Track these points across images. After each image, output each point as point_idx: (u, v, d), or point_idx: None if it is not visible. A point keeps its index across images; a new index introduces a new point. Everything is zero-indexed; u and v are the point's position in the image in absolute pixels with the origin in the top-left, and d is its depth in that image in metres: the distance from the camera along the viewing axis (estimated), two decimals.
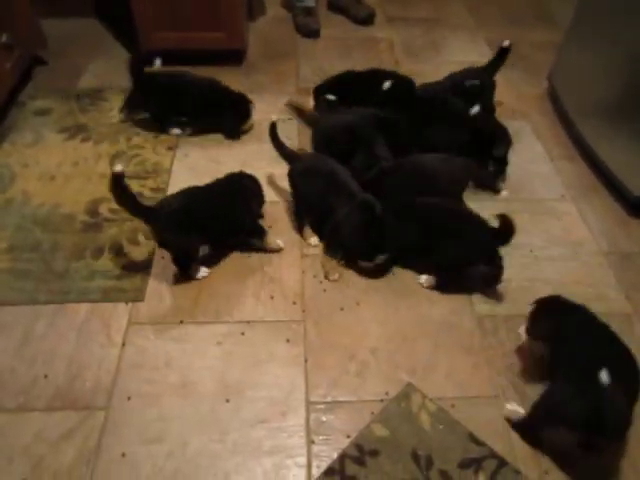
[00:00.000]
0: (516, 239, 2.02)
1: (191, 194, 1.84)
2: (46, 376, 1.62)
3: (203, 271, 1.88)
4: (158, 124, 2.43)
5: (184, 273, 1.86)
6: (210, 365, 1.65)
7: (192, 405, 1.56)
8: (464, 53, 2.83)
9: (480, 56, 2.93)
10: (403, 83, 2.35)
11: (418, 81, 2.45)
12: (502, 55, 2.40)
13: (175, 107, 2.39)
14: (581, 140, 2.40)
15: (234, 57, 2.80)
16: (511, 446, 1.50)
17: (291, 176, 2.01)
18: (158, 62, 2.40)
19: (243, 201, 1.90)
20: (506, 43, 2.37)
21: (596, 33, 2.33)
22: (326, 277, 1.89)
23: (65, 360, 1.66)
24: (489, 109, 2.42)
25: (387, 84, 2.30)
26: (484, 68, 2.44)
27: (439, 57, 2.89)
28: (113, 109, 2.53)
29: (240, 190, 1.92)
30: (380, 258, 1.86)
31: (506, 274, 1.90)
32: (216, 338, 1.72)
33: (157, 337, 1.72)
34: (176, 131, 2.42)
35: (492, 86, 2.45)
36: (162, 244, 1.84)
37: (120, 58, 2.84)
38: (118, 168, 1.66)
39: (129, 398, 1.57)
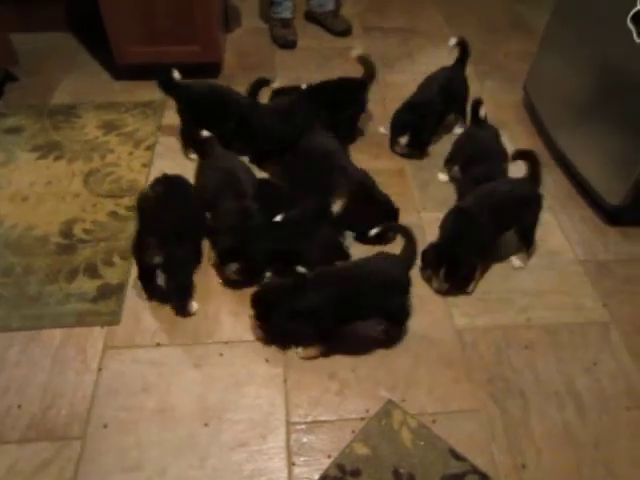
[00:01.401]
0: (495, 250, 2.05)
1: None
2: (20, 406, 1.60)
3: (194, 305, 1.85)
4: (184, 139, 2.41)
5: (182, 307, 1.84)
6: (188, 388, 1.64)
7: (170, 430, 1.55)
8: (440, 63, 2.83)
9: None
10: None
11: (394, 92, 2.48)
12: (463, 51, 2.50)
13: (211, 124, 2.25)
14: (556, 149, 2.43)
15: (210, 69, 2.79)
16: (492, 461, 1.51)
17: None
18: (176, 73, 2.34)
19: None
20: (452, 41, 2.46)
21: (568, 42, 2.37)
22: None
23: (39, 388, 1.64)
24: (463, 105, 2.53)
25: None
26: (454, 66, 2.52)
27: (415, 67, 2.91)
28: (86, 126, 2.51)
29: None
30: (230, 266, 1.85)
31: (485, 286, 1.93)
32: (194, 360, 1.71)
33: (134, 361, 1.70)
34: (193, 157, 2.37)
35: (465, 80, 2.54)
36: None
37: (94, 73, 2.83)
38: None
39: (105, 426, 1.56)
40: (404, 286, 1.73)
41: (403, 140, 2.37)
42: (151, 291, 1.84)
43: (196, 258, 1.96)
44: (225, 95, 2.34)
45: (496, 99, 2.79)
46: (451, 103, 2.48)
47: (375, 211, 2.02)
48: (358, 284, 1.66)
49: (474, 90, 2.82)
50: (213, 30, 2.63)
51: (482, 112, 2.25)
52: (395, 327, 1.78)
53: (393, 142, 2.45)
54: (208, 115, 2.28)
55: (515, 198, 1.92)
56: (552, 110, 2.51)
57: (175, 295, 1.82)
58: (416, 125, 2.34)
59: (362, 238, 2.02)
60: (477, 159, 2.15)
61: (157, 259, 1.71)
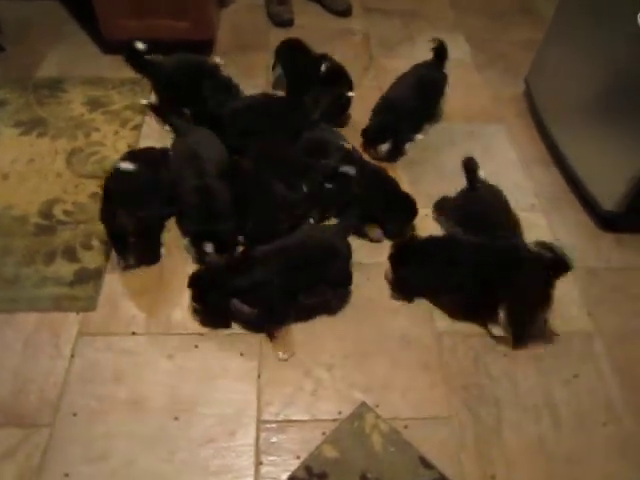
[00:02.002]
0: None
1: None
2: None
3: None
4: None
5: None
6: (161, 380, 1.65)
7: (140, 422, 1.57)
8: None
9: (457, 53, 2.92)
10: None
11: (391, 78, 2.44)
12: (440, 52, 2.46)
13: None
14: (555, 146, 2.41)
15: (203, 47, 2.75)
16: (462, 470, 1.53)
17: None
18: (139, 44, 2.35)
19: None
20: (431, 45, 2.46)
21: (576, 34, 2.32)
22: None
23: (10, 373, 1.65)
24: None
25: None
26: (433, 62, 2.49)
27: (415, 52, 2.84)
28: (72, 101, 2.49)
29: None
30: (206, 246, 1.87)
31: None
32: (168, 351, 1.72)
33: (107, 349, 1.71)
34: (167, 129, 2.35)
35: (444, 79, 2.49)
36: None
37: (82, 45, 2.80)
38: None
39: (75, 414, 1.57)
40: (344, 252, 1.81)
41: (384, 147, 2.30)
42: (121, 252, 1.89)
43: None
44: (199, 73, 2.35)
45: (495, 90, 2.76)
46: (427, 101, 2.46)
47: (393, 203, 2.03)
48: (302, 254, 1.76)
49: (473, 81, 2.80)
50: (206, 5, 2.58)
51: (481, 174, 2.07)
52: (340, 292, 1.86)
53: (369, 148, 2.36)
54: (183, 93, 2.31)
55: None
56: (553, 106, 2.48)
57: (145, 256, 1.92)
58: (397, 130, 2.29)
59: (391, 234, 2.04)
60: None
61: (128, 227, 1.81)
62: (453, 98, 2.65)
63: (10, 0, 2.90)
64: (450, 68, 2.82)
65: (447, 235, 2.00)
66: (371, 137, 2.31)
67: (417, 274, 1.84)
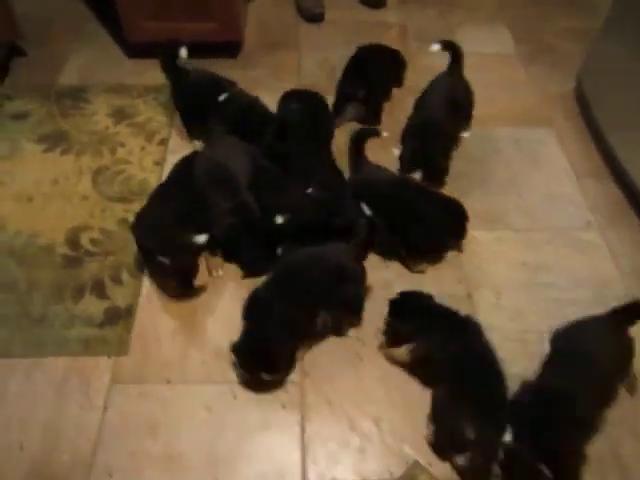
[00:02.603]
0: (538, 278, 1.84)
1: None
2: (21, 447, 1.47)
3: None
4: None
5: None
6: (198, 434, 1.50)
7: None
8: (483, 43, 2.53)
9: (501, 47, 2.64)
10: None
11: (428, 78, 2.17)
12: (455, 56, 2.16)
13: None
14: (611, 155, 2.14)
15: (230, 48, 2.51)
16: None
17: None
18: (184, 51, 2.14)
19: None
20: (434, 47, 2.15)
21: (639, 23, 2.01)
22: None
23: (41, 426, 1.51)
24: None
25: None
26: (449, 73, 2.17)
27: None
28: (96, 113, 2.29)
29: None
30: None
31: (525, 323, 1.73)
32: (205, 402, 1.56)
33: (142, 399, 1.56)
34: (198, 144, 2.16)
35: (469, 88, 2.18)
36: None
37: (105, 48, 2.58)
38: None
39: (110, 475, 1.43)
40: (357, 274, 1.67)
41: (416, 176, 1.97)
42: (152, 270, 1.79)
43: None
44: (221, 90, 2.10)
45: (542, 89, 2.49)
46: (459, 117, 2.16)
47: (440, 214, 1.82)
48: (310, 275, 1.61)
49: (517, 78, 2.52)
50: (233, 6, 2.34)
51: None
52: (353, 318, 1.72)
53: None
54: (200, 109, 2.08)
55: None
56: (610, 107, 2.19)
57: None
58: (428, 156, 1.99)
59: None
60: None
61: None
62: (496, 99, 2.40)
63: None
64: (492, 63, 2.57)
65: None
66: (404, 167, 2.02)
67: None
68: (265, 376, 1.54)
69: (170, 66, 2.14)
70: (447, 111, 2.04)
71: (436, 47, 2.13)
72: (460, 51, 2.14)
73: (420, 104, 2.14)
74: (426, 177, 1.95)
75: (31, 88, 2.38)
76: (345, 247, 1.69)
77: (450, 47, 2.14)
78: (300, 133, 1.98)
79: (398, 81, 2.37)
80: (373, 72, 2.27)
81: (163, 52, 2.15)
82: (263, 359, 1.53)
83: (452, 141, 2.10)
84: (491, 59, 2.53)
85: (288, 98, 2.13)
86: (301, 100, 2.11)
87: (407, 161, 1.99)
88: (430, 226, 1.79)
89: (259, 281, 1.69)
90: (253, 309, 1.59)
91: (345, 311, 1.71)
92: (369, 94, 2.26)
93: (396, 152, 2.07)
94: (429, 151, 1.97)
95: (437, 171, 2.00)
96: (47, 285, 1.77)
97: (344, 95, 2.26)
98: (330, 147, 2.08)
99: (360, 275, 1.68)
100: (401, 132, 2.10)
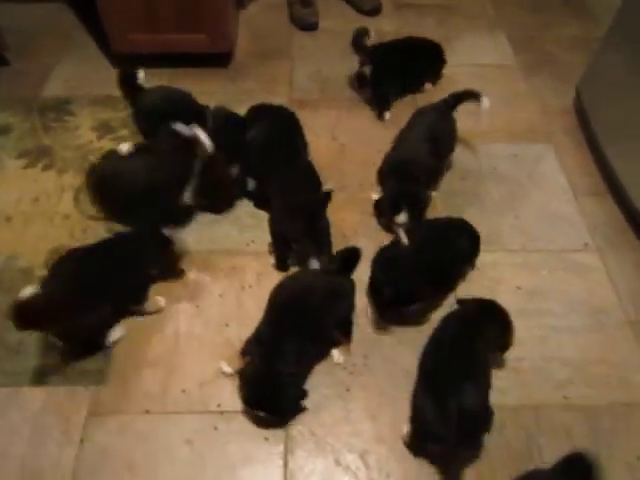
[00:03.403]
0: (533, 304, 1.81)
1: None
2: None
3: (118, 331, 1.69)
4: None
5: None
6: (177, 470, 1.47)
7: None
8: (481, 53, 2.49)
9: (500, 57, 2.60)
10: None
11: (424, 98, 2.15)
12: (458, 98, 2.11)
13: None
14: (610, 172, 2.11)
15: (220, 58, 2.48)
16: None
17: None
18: (141, 75, 2.11)
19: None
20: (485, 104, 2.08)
21: None
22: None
23: (17, 463, 1.47)
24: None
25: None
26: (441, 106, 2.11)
27: (453, 58, 2.52)
28: (80, 127, 2.25)
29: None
30: None
31: (519, 350, 1.69)
32: (186, 434, 1.53)
33: (120, 432, 1.53)
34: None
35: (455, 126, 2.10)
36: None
37: (91, 58, 2.54)
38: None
39: None
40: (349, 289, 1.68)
41: (402, 218, 1.87)
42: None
43: None
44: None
45: (541, 101, 2.45)
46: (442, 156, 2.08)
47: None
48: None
49: (517, 89, 2.49)
50: (223, 16, 2.30)
51: None
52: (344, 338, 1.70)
53: (387, 218, 1.96)
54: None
55: None
56: (610, 122, 2.15)
57: None
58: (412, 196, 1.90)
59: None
60: None
61: None
62: (495, 113, 2.35)
63: (14, 4, 2.62)
64: (491, 74, 2.53)
65: None
66: (385, 210, 1.95)
67: None
68: (264, 416, 1.51)
69: (130, 88, 2.10)
70: (428, 148, 1.97)
71: (486, 104, 2.07)
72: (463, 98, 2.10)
73: (400, 139, 2.09)
74: (412, 217, 1.88)
75: (13, 100, 2.34)
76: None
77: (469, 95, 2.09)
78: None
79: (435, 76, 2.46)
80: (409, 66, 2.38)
81: (121, 78, 2.11)
82: (271, 402, 1.51)
83: (435, 177, 2.05)
84: (490, 70, 2.49)
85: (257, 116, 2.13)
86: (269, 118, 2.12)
87: (390, 203, 1.91)
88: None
89: (242, 314, 1.69)
90: (260, 348, 1.55)
91: (338, 330, 1.68)
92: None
93: (374, 197, 2.01)
94: (413, 191, 1.90)
95: (422, 209, 1.93)
96: None
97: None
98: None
99: (350, 291, 1.68)
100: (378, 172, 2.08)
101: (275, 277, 1.81)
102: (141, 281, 1.75)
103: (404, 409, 1.56)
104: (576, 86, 2.37)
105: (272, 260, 1.86)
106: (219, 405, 1.58)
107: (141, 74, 2.08)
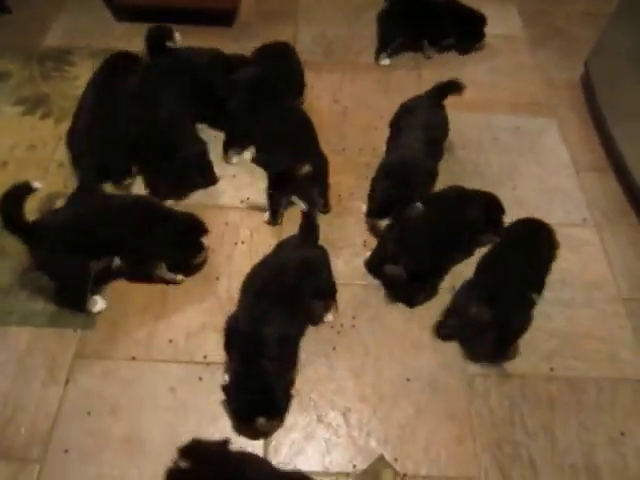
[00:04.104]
0: None
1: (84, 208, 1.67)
2: None
3: (100, 303, 1.66)
4: None
5: (76, 307, 1.65)
6: (160, 417, 1.49)
7: (135, 466, 1.42)
8: (490, 23, 2.43)
9: (508, 28, 2.57)
10: None
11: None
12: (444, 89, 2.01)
13: None
14: (613, 148, 2.09)
15: (224, 16, 2.44)
16: None
17: None
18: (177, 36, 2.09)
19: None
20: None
21: None
22: None
23: (1, 399, 1.50)
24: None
25: None
26: (431, 94, 2.02)
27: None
28: (79, 77, 2.24)
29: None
30: None
31: None
32: (170, 382, 1.54)
33: (105, 376, 1.55)
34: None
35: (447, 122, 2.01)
36: (41, 267, 1.63)
37: (94, 9, 2.52)
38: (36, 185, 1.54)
39: (66, 451, 1.43)
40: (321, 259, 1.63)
41: (385, 223, 1.78)
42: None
43: None
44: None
45: (548, 75, 2.43)
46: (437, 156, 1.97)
47: None
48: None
49: (524, 62, 2.46)
50: None
51: None
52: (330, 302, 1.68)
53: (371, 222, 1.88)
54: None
55: None
56: (615, 98, 2.13)
57: None
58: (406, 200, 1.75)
59: None
60: None
61: None
62: (500, 84, 2.34)
63: None
64: (498, 45, 2.50)
65: None
66: (375, 212, 1.83)
67: None
68: (262, 423, 1.41)
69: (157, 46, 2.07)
70: (425, 152, 1.87)
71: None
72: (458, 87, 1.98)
73: (395, 142, 1.96)
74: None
75: (13, 48, 2.33)
76: (293, 239, 1.66)
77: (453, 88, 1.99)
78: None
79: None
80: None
81: (154, 33, 2.08)
82: (265, 401, 1.43)
83: (430, 180, 1.92)
84: (497, 40, 2.45)
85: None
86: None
87: (377, 204, 1.81)
88: None
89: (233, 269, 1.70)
90: (240, 343, 1.48)
91: (322, 299, 1.68)
92: None
93: (364, 207, 1.89)
94: (405, 198, 1.75)
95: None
96: (16, 254, 1.74)
97: None
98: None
99: (323, 260, 1.64)
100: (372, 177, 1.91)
101: (268, 234, 1.83)
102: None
103: (388, 369, 1.58)
104: (585, 61, 2.34)
105: (266, 217, 1.86)
106: (205, 357, 1.59)
107: (177, 35, 2.05)
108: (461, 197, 1.80)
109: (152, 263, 1.68)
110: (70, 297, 1.64)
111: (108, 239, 1.61)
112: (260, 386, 1.42)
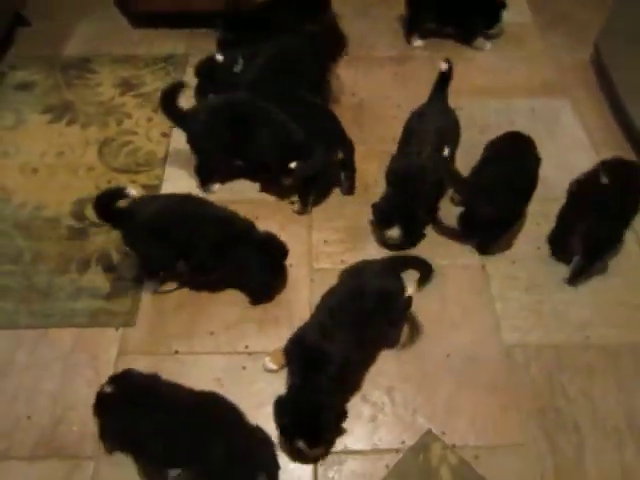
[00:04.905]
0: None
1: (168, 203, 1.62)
2: (29, 417, 1.44)
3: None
4: None
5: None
6: None
7: None
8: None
9: (518, 16, 2.54)
10: None
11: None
12: (442, 81, 1.86)
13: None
14: (630, 125, 2.06)
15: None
16: None
17: None
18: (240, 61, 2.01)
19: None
20: (444, 66, 1.82)
21: None
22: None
23: (49, 398, 1.48)
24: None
25: None
26: (438, 99, 1.88)
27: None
28: (102, 84, 2.22)
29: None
30: None
31: (537, 293, 1.68)
32: (214, 373, 1.52)
33: (150, 371, 1.51)
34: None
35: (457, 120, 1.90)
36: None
37: (111, 18, 2.51)
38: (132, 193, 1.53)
39: None
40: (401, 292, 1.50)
41: (394, 233, 1.71)
42: None
43: None
44: None
45: (559, 59, 2.40)
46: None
47: None
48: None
49: (534, 47, 2.44)
50: None
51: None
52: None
53: (378, 232, 1.79)
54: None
55: None
56: (629, 76, 2.09)
57: None
58: (409, 210, 1.71)
59: None
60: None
61: None
62: (513, 70, 2.32)
63: None
64: (509, 33, 2.48)
65: None
66: (379, 219, 1.76)
67: None
68: (302, 446, 1.32)
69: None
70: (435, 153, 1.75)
71: (444, 66, 1.81)
72: (447, 82, 1.86)
73: (405, 144, 1.84)
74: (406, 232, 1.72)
75: (36, 58, 2.31)
76: (374, 265, 1.55)
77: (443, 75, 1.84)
78: None
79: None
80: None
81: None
82: (309, 425, 1.32)
83: (438, 189, 1.84)
84: (508, 29, 2.43)
85: None
86: None
87: (384, 214, 1.73)
88: None
89: None
90: (303, 357, 1.39)
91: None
92: None
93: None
94: (410, 207, 1.71)
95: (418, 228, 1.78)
96: (53, 257, 1.73)
97: None
98: None
99: (401, 291, 1.49)
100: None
101: (299, 225, 1.80)
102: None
103: (427, 348, 1.56)
104: (594, 41, 2.31)
105: (296, 207, 1.84)
106: (247, 347, 1.57)
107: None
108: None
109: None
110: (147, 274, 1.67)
111: (185, 244, 1.56)
112: (309, 407, 1.31)
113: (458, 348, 1.56)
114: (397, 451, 1.39)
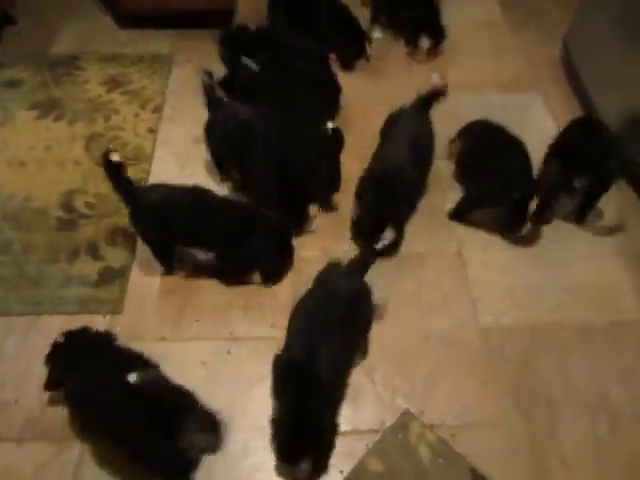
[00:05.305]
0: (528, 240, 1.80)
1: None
2: (16, 402, 1.44)
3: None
4: None
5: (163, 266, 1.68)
6: (196, 388, 1.45)
7: None
8: (470, 11, 2.47)
9: (488, 14, 2.59)
10: None
11: None
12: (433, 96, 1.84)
13: None
14: (595, 114, 2.08)
15: (222, 18, 2.42)
16: None
17: None
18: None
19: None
20: (437, 81, 1.80)
21: None
22: None
23: (38, 383, 1.46)
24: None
25: None
26: (415, 106, 1.85)
27: (445, 17, 2.48)
28: (89, 81, 2.21)
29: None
30: None
31: (513, 276, 1.71)
32: (200, 357, 1.52)
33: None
34: None
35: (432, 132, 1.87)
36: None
37: (98, 17, 2.50)
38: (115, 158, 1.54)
39: None
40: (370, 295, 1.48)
41: (388, 235, 1.52)
42: None
43: None
44: None
45: (529, 55, 2.44)
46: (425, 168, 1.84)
47: None
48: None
49: (505, 43, 2.47)
50: None
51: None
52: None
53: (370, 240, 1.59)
54: None
55: None
56: (596, 70, 2.14)
57: None
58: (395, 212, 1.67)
59: None
60: None
61: None
62: (484, 66, 2.35)
63: None
64: (480, 31, 2.51)
65: None
66: (369, 227, 1.68)
67: None
68: (305, 467, 1.28)
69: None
70: (411, 158, 1.73)
71: (436, 79, 1.81)
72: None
73: (381, 152, 1.83)
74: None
75: (23, 56, 2.30)
76: (336, 268, 1.49)
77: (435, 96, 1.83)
78: None
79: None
80: None
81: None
82: (312, 445, 1.29)
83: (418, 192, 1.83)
84: (478, 27, 2.47)
85: None
86: None
87: (374, 222, 1.63)
88: None
89: None
90: (293, 380, 1.33)
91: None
92: None
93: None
94: (396, 206, 1.68)
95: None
96: (42, 247, 1.72)
97: None
98: None
99: (370, 294, 1.48)
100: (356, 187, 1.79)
101: None
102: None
103: (406, 331, 1.57)
104: (562, 38, 2.35)
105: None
106: (231, 332, 1.57)
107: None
108: None
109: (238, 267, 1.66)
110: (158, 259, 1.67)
111: (190, 231, 1.59)
112: (310, 430, 1.27)
113: (436, 330, 1.58)
114: (377, 432, 1.40)
